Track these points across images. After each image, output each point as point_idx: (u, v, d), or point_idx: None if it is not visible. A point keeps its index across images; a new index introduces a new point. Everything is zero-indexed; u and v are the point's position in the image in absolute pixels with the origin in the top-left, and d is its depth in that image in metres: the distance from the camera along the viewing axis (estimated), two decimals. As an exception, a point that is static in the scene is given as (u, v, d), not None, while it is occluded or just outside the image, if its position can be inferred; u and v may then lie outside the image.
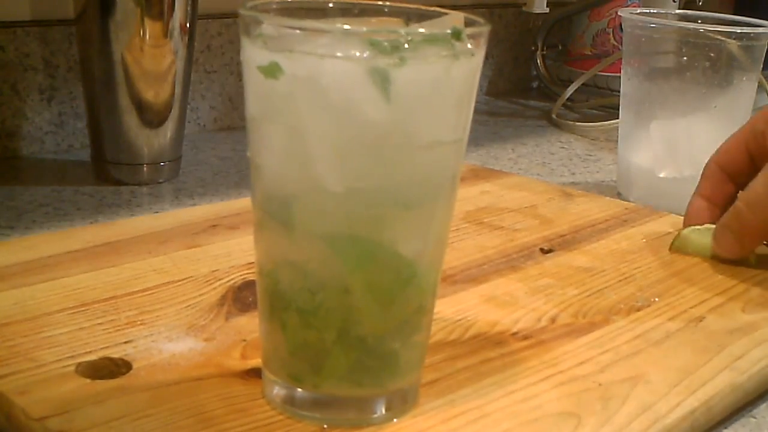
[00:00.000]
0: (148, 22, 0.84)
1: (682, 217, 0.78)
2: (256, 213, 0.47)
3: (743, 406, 0.55)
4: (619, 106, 0.96)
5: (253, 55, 0.43)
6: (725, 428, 0.53)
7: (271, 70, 0.42)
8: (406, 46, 0.41)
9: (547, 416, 0.49)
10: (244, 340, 0.54)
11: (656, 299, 0.65)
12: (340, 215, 0.43)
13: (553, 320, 0.60)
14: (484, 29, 0.44)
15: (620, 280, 0.68)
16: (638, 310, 0.63)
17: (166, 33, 0.85)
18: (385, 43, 0.41)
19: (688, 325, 0.61)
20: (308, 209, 0.44)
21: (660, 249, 0.75)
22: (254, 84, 0.44)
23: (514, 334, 0.58)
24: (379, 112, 0.42)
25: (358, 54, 0.41)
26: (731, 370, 0.55)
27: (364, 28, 0.42)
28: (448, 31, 0.43)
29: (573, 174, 1.05)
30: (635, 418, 0.49)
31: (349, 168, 0.43)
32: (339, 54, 0.41)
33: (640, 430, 0.48)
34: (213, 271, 0.64)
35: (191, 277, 0.62)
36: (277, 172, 0.45)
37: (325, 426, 0.46)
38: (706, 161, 0.78)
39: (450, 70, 0.43)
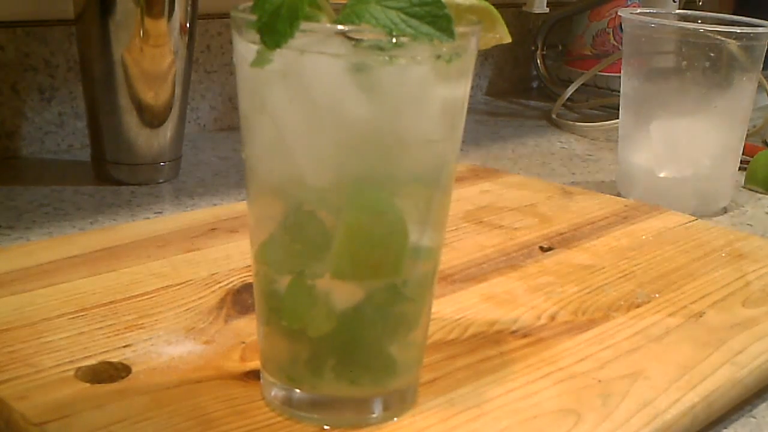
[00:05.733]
0: (148, 22, 0.84)
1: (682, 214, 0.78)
2: (251, 211, 0.47)
3: (743, 405, 0.55)
4: (619, 106, 0.95)
5: (244, 51, 0.44)
6: (725, 428, 0.53)
7: (260, 59, 0.42)
8: (393, 44, 0.41)
9: (546, 413, 0.49)
10: (243, 343, 0.54)
11: (656, 295, 0.65)
12: (322, 205, 0.44)
13: (552, 318, 0.60)
14: (474, 29, 0.44)
15: (620, 277, 0.68)
16: (638, 306, 0.63)
17: (166, 33, 0.85)
18: (372, 42, 0.41)
19: (688, 321, 0.61)
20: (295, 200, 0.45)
21: (660, 245, 0.75)
22: (244, 81, 0.45)
23: (514, 332, 0.58)
24: (362, 110, 0.42)
25: (343, 51, 0.41)
26: (731, 365, 0.55)
27: (352, 26, 0.42)
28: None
29: (573, 174, 1.05)
30: (635, 414, 0.49)
31: (331, 164, 0.43)
32: (324, 51, 0.41)
33: (640, 425, 0.48)
34: (212, 275, 0.64)
35: (190, 280, 0.62)
36: (265, 167, 0.45)
37: (326, 427, 0.46)
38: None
39: (437, 70, 0.43)
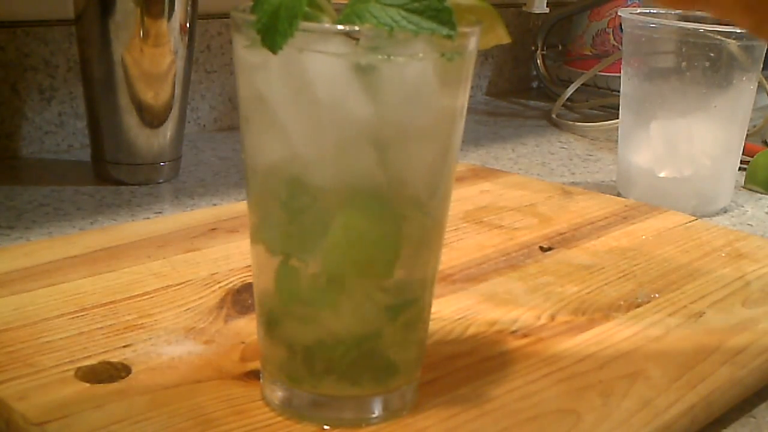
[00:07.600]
0: (148, 22, 0.84)
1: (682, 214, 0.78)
2: (250, 211, 0.47)
3: (743, 405, 0.55)
4: (619, 106, 0.95)
5: (244, 51, 0.44)
6: (725, 428, 0.53)
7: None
8: (394, 42, 0.41)
9: (546, 413, 0.49)
10: (243, 343, 0.54)
11: (656, 295, 0.65)
12: (321, 203, 0.44)
13: (552, 318, 0.60)
14: (474, 29, 0.44)
15: (620, 277, 0.68)
16: (638, 306, 0.63)
17: (166, 33, 0.85)
18: (373, 40, 0.41)
19: (688, 321, 0.61)
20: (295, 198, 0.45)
21: (660, 245, 0.75)
22: (245, 79, 0.45)
23: (514, 332, 0.58)
24: (363, 108, 0.42)
25: (345, 50, 0.41)
26: (731, 365, 0.55)
27: (354, 26, 0.42)
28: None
29: (573, 174, 1.05)
30: (635, 413, 0.49)
31: (331, 162, 0.43)
32: (326, 49, 0.41)
33: (640, 425, 0.48)
34: (212, 275, 0.64)
35: (190, 280, 0.62)
36: (265, 165, 0.45)
37: (326, 427, 0.46)
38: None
39: (438, 68, 0.43)
